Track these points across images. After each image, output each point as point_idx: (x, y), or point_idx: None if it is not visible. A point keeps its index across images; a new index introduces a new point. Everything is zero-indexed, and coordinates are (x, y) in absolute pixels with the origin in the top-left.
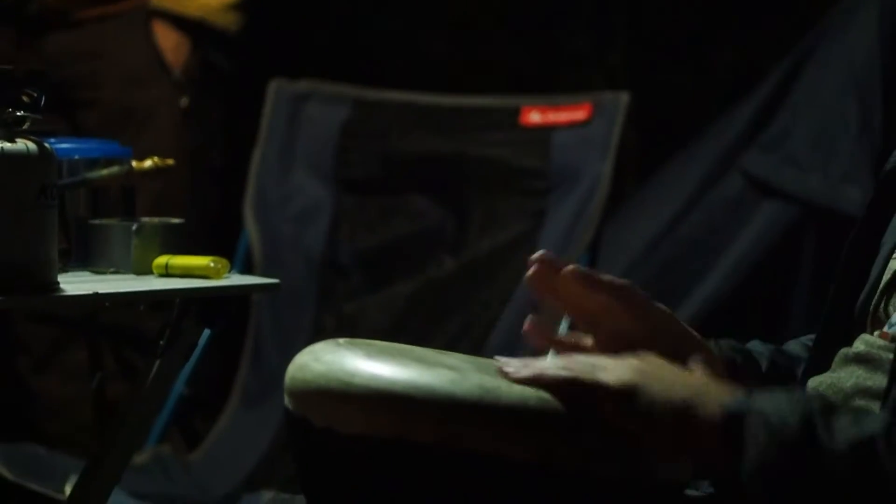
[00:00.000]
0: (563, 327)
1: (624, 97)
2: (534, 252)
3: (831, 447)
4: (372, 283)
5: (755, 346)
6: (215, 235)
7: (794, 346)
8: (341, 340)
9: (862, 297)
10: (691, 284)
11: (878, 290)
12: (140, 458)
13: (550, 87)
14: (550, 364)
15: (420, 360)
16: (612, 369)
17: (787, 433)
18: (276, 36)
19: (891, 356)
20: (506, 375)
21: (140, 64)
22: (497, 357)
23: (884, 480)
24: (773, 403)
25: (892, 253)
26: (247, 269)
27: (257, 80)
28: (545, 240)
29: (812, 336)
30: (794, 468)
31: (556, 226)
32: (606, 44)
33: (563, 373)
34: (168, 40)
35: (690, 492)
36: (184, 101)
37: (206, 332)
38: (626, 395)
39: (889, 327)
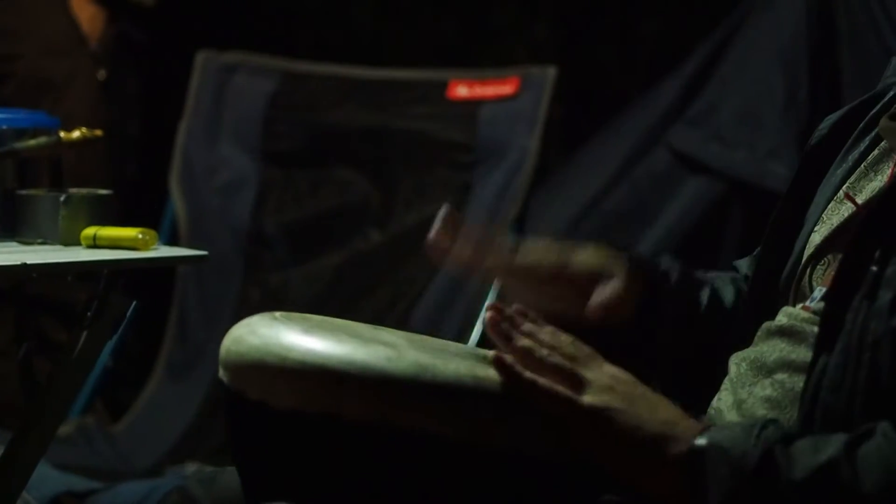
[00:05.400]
0: (491, 295)
1: (551, 71)
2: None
3: (791, 476)
4: (298, 255)
5: (666, 260)
6: (133, 206)
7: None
8: (278, 314)
9: (786, 271)
10: None
11: (801, 264)
12: (64, 430)
13: (477, 61)
14: (542, 359)
15: (356, 336)
16: (592, 387)
17: (747, 465)
18: (194, 8)
19: (814, 329)
20: (502, 366)
21: (57, 35)
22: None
23: (850, 502)
24: (730, 437)
25: (814, 227)
26: (172, 241)
27: (174, 52)
28: (472, 214)
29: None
30: (758, 500)
31: (483, 200)
32: (532, 17)
33: (553, 388)
34: (84, 11)
35: None
36: (101, 74)
37: (134, 304)
38: (598, 420)
39: (811, 301)
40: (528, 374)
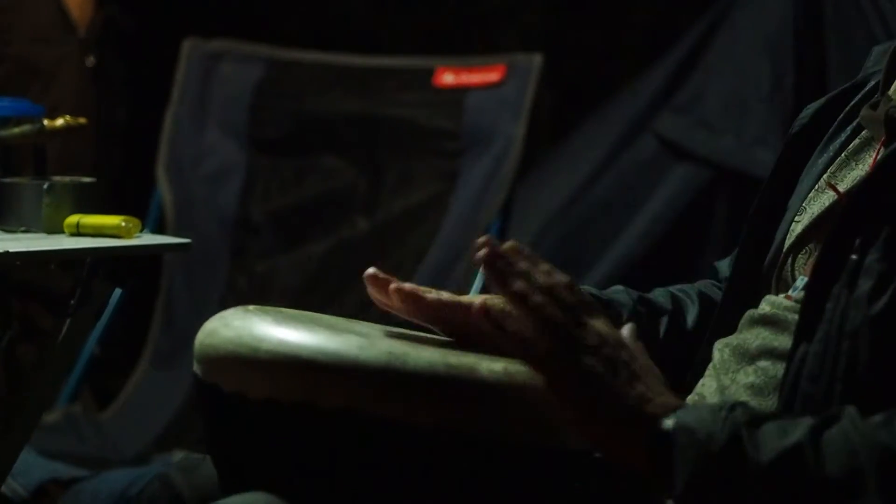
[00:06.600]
0: (477, 282)
1: (537, 59)
2: (446, 213)
3: (757, 460)
4: (284, 242)
5: (619, 294)
6: (120, 194)
7: (660, 295)
8: (251, 307)
9: (767, 259)
10: (604, 246)
11: (783, 253)
12: (51, 417)
13: (465, 47)
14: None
15: (329, 327)
16: (578, 345)
17: (713, 447)
18: None
19: (796, 317)
20: (486, 317)
21: (46, 21)
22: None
23: (814, 486)
24: (698, 418)
25: (795, 216)
26: (159, 229)
27: (162, 39)
28: (457, 201)
29: (681, 285)
30: (724, 485)
31: (469, 187)
32: (522, 4)
33: (537, 343)
34: None
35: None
36: (90, 60)
37: (118, 291)
38: (577, 382)
39: (793, 290)
40: (512, 326)
